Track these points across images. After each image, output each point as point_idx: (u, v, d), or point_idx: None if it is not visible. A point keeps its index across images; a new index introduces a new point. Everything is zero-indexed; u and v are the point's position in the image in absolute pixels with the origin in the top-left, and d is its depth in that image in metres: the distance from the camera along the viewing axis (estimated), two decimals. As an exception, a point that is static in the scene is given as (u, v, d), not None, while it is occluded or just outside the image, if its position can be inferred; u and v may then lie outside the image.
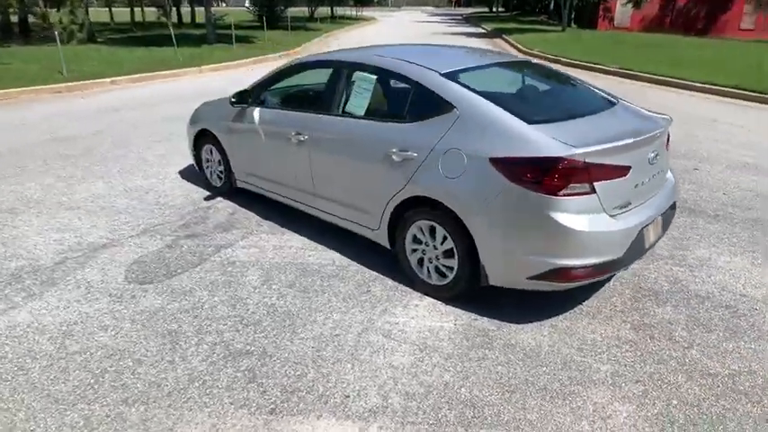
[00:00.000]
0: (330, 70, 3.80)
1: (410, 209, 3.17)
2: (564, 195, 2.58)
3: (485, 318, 3.02)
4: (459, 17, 45.41)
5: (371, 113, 3.42)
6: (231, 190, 4.80)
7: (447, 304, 3.15)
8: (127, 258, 3.71)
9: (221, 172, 4.81)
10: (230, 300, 3.21)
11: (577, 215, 2.61)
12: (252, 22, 26.92)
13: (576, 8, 30.29)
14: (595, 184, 2.63)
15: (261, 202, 4.61)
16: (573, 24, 29.69)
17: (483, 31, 28.20)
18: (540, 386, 2.50)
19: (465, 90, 3.04)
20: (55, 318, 3.01)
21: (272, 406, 2.36)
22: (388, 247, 3.46)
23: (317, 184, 3.78)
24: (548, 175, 2.57)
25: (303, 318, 3.03)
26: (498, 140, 2.76)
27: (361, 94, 3.47)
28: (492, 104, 2.91)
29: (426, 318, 3.04)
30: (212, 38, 18.40)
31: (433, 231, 3.10)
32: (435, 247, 3.11)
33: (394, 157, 3.14)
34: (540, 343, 2.81)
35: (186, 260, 3.70)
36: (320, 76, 4.61)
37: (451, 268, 3.07)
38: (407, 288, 3.33)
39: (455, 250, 3.00)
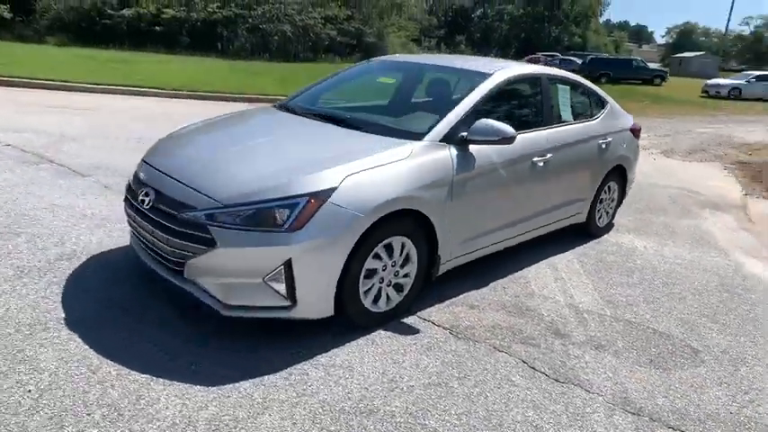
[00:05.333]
0: (529, 84, 4.15)
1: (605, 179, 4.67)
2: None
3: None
4: None
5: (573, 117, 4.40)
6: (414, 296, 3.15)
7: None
8: None
9: (405, 276, 3.07)
10: None
11: None
12: None
13: None
14: None
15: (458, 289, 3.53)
16: None
17: None
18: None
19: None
20: None
21: None
22: (585, 220, 4.64)
23: (539, 202, 3.98)
24: (639, 130, 5.13)
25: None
26: (625, 119, 4.98)
27: (566, 103, 4.33)
28: None
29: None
30: None
31: (610, 187, 4.83)
32: (612, 199, 4.94)
33: (602, 145, 4.52)
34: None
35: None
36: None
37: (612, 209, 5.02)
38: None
39: (617, 193, 4.95)
